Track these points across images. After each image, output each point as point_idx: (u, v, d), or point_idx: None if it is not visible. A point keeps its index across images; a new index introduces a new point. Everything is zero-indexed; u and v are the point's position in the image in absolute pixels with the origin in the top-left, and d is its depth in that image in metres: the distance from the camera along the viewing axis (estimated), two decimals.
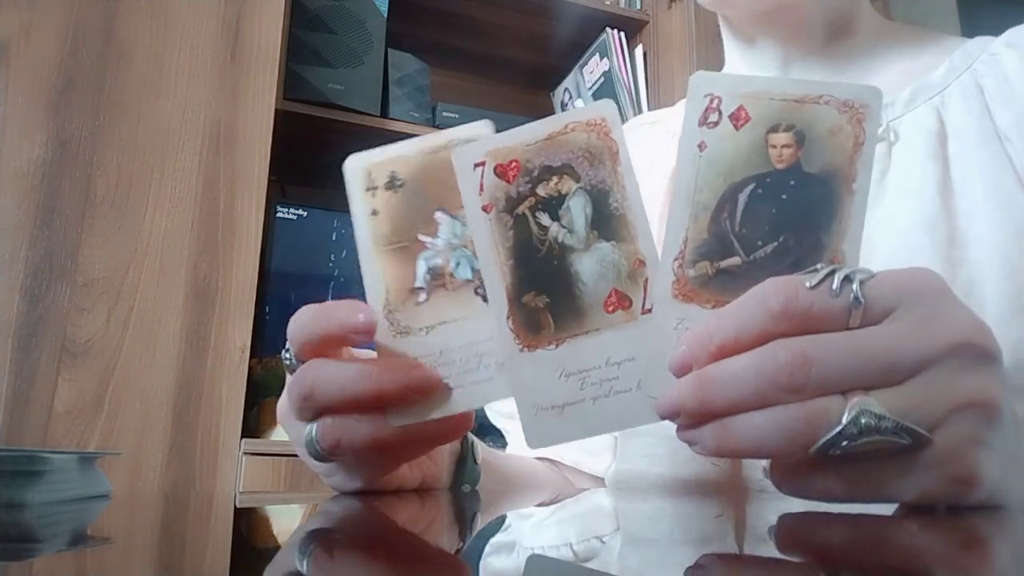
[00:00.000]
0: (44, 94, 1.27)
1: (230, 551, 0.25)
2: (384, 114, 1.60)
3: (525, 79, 2.06)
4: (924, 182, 0.50)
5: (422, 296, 0.34)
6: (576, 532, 0.28)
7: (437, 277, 0.34)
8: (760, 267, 0.30)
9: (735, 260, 0.31)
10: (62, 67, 1.29)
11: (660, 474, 0.53)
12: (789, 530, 0.27)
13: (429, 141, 0.35)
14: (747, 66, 0.63)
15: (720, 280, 0.31)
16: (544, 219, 0.33)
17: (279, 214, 1.60)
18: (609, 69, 1.79)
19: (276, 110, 1.39)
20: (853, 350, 0.26)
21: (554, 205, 0.32)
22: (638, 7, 1.90)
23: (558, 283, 0.32)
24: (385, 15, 1.65)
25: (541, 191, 0.33)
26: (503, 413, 0.68)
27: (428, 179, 0.35)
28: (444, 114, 1.67)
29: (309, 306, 0.35)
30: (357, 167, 0.35)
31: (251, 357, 1.30)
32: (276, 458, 1.27)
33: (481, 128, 0.34)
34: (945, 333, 0.27)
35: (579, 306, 0.32)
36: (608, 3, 1.86)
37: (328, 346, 0.35)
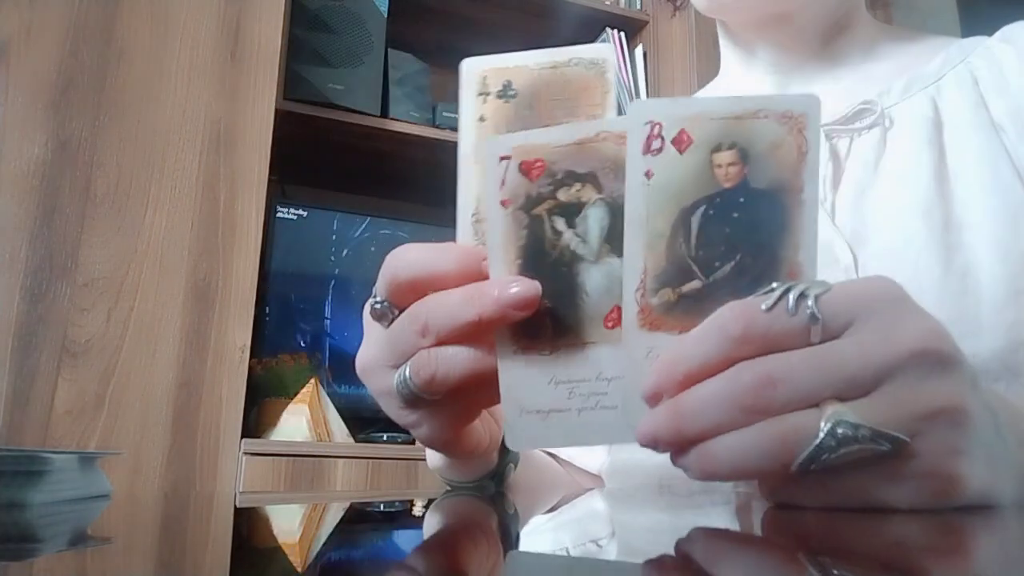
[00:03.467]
0: (44, 94, 1.27)
1: (230, 551, 0.25)
2: (384, 114, 1.60)
3: None
4: (919, 168, 0.51)
5: None
6: (572, 537, 0.28)
7: None
8: (721, 287, 0.30)
9: (695, 284, 0.31)
10: (62, 67, 1.29)
11: (658, 465, 0.52)
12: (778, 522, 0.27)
13: (550, 56, 0.34)
14: (744, 72, 0.64)
15: (684, 305, 0.31)
16: (560, 224, 0.32)
17: (279, 214, 1.60)
18: None
19: (276, 110, 1.39)
20: (815, 365, 0.27)
21: (572, 212, 0.32)
22: (638, 7, 1.91)
23: (562, 291, 0.32)
24: (385, 15, 1.65)
25: (561, 196, 0.32)
26: None
27: (542, 94, 0.34)
28: (444, 114, 1.67)
29: (409, 247, 0.34)
30: (473, 70, 0.34)
31: (251, 357, 1.30)
32: (276, 458, 1.27)
33: (604, 50, 0.33)
34: (905, 341, 0.27)
35: (579, 317, 0.32)
36: (608, 3, 1.86)
37: (430, 288, 0.34)
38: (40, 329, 1.20)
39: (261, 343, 1.45)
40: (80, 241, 1.25)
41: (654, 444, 0.28)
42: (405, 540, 0.30)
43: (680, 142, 0.30)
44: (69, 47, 1.30)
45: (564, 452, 0.62)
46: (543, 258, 0.32)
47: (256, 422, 1.39)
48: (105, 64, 1.32)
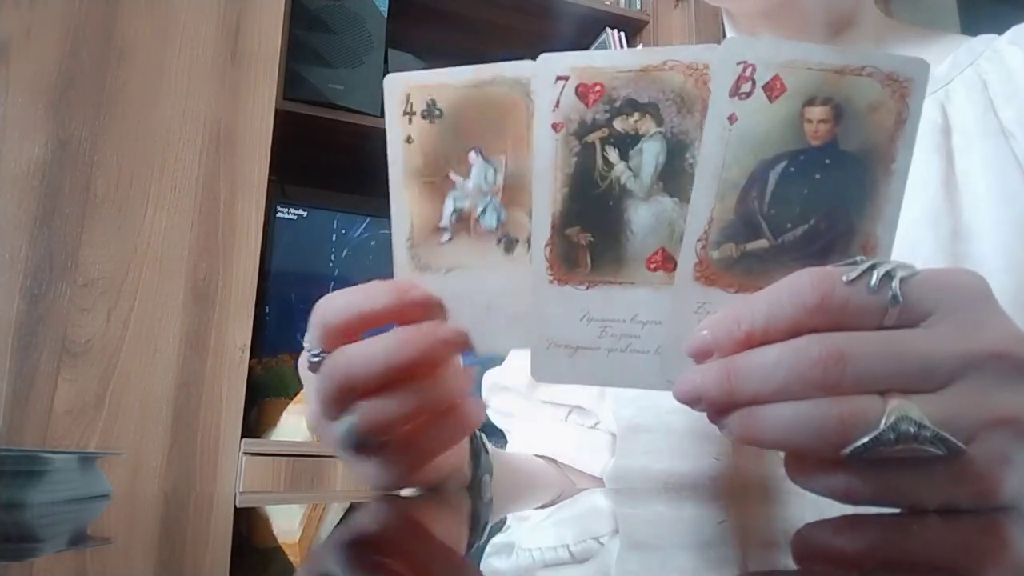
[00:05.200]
0: (44, 94, 1.27)
1: (230, 551, 0.25)
2: (384, 114, 1.60)
3: None
4: (928, 175, 0.50)
5: (445, 236, 0.34)
6: (573, 533, 0.28)
7: (462, 220, 0.34)
8: (788, 251, 0.29)
9: (762, 243, 0.29)
10: (62, 67, 1.29)
11: (662, 470, 0.52)
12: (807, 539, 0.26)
13: (475, 73, 0.32)
14: None
15: (745, 263, 0.29)
16: (612, 155, 0.30)
17: (279, 214, 1.60)
18: None
19: (276, 110, 1.39)
20: (890, 350, 0.25)
21: (627, 143, 0.30)
22: (638, 7, 1.90)
23: (607, 225, 0.31)
24: (385, 15, 1.65)
25: (618, 125, 0.30)
26: (504, 412, 0.68)
27: (467, 114, 0.33)
28: None
29: (337, 294, 0.35)
30: (396, 87, 0.33)
31: (251, 357, 1.30)
32: (276, 458, 1.27)
33: (527, 67, 0.31)
34: (986, 341, 0.26)
35: (621, 254, 0.31)
36: (608, 3, 1.86)
37: (364, 329, 0.34)
38: (40, 329, 1.20)
39: (261, 343, 1.45)
40: (80, 241, 1.25)
41: (695, 401, 0.27)
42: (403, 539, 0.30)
43: (772, 89, 0.28)
44: (69, 47, 1.30)
45: (567, 455, 0.62)
46: (591, 188, 0.30)
47: (256, 422, 1.38)
48: (105, 64, 1.32)
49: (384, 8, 1.65)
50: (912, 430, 0.24)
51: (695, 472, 0.50)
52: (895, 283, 0.26)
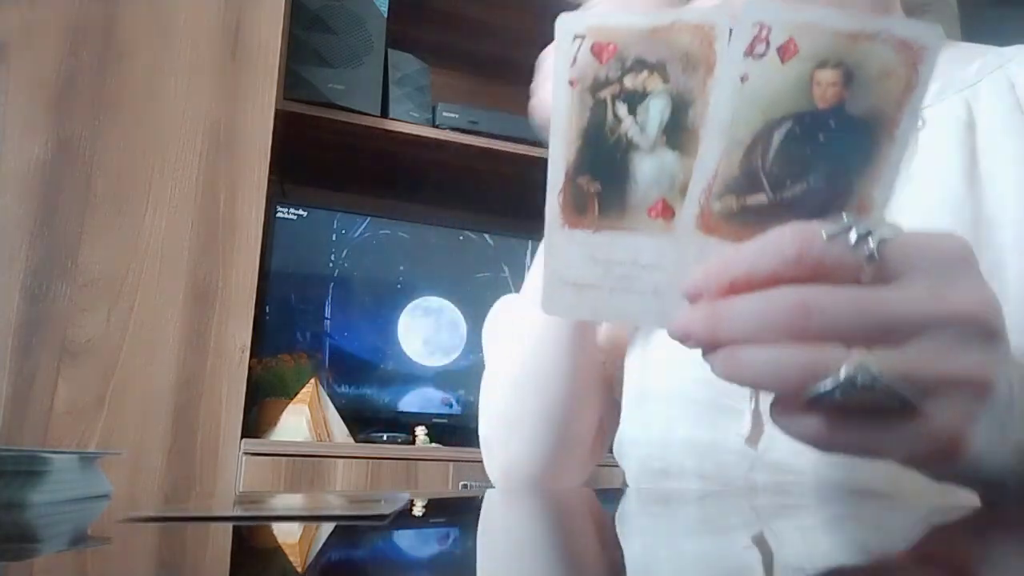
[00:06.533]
0: (44, 94, 1.27)
1: (230, 551, 0.25)
2: (384, 114, 1.60)
3: (525, 79, 2.05)
4: (950, 168, 0.51)
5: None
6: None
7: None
8: (786, 207, 0.30)
9: (761, 198, 0.30)
10: (62, 67, 1.29)
11: (681, 438, 0.53)
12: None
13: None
14: None
15: (744, 216, 0.31)
16: (622, 111, 0.32)
17: (279, 214, 1.60)
18: None
19: (276, 110, 1.39)
20: (854, 305, 0.27)
21: (635, 100, 0.32)
22: None
23: (614, 175, 0.33)
24: (385, 15, 1.65)
25: (628, 82, 0.32)
26: (504, 332, 0.69)
27: None
28: (444, 114, 1.67)
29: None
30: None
31: (251, 357, 1.30)
32: (276, 458, 1.27)
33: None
34: (952, 302, 0.27)
35: (625, 203, 0.33)
36: None
37: None
38: (40, 329, 1.20)
39: (261, 343, 1.45)
40: (80, 241, 1.25)
41: (685, 339, 0.30)
42: (404, 540, 0.30)
43: (786, 51, 0.29)
44: (69, 47, 1.30)
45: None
46: (602, 141, 0.32)
47: (256, 422, 1.39)
48: (105, 64, 1.32)
49: (384, 8, 1.65)
50: (867, 382, 0.26)
51: (717, 443, 0.50)
52: (872, 242, 0.27)
